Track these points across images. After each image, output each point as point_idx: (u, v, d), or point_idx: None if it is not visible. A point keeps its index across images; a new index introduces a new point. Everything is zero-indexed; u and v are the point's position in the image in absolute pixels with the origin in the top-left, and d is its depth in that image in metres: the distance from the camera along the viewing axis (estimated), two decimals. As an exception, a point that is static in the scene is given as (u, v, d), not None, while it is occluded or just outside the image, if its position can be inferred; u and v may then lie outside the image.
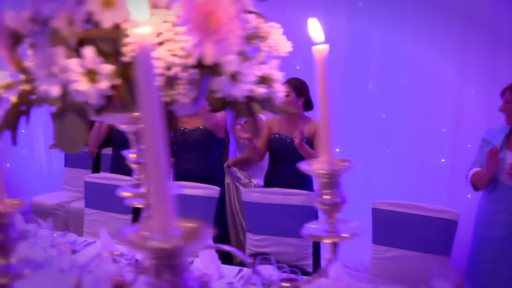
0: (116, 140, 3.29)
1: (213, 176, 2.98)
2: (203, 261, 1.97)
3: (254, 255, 2.79)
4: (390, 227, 2.46)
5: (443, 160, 3.44)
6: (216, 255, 1.99)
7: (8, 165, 4.98)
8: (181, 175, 2.97)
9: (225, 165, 3.25)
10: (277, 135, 2.85)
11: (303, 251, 2.62)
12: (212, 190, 2.72)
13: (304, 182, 2.82)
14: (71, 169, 4.54)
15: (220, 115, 2.92)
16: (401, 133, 3.56)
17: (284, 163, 2.84)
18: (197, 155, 2.95)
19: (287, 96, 2.73)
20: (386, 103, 3.60)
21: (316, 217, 2.66)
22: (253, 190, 2.75)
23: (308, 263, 2.61)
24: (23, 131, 4.99)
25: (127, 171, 3.13)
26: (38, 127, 4.93)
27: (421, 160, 3.48)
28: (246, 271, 2.03)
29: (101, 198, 3.11)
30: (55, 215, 4.16)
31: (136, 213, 3.04)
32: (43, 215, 4.27)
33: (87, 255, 2.23)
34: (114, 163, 3.35)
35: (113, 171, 3.32)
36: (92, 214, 3.13)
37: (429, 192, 3.40)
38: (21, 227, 2.17)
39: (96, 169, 4.44)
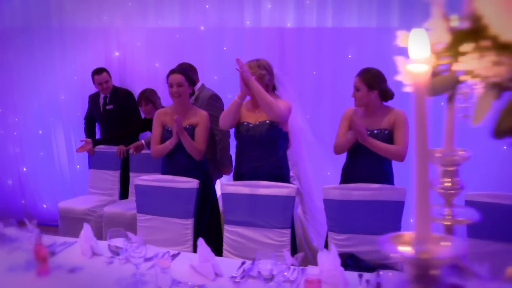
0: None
1: (282, 173, 2.78)
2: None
3: (340, 256, 2.63)
4: (486, 220, 2.33)
5: (505, 147, 3.35)
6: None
7: (24, 169, 4.62)
8: (247, 173, 2.76)
9: None
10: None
11: (392, 249, 2.47)
12: (288, 189, 2.54)
13: (385, 176, 2.66)
14: (96, 171, 4.25)
15: (284, 106, 2.71)
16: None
17: (363, 157, 2.67)
18: (264, 151, 2.74)
19: (358, 90, 2.63)
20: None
21: (402, 211, 2.51)
22: (333, 187, 2.57)
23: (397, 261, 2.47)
24: (40, 132, 4.65)
25: (181, 172, 2.89)
26: (58, 127, 4.58)
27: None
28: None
29: (157, 202, 2.86)
30: (86, 221, 3.87)
31: (197, 218, 2.82)
32: (73, 222, 3.97)
33: (178, 270, 2.00)
34: (167, 163, 3.09)
35: (165, 172, 3.07)
36: (146, 220, 2.88)
37: (493, 180, 3.31)
38: (112, 243, 1.93)
39: (125, 170, 4.17)
